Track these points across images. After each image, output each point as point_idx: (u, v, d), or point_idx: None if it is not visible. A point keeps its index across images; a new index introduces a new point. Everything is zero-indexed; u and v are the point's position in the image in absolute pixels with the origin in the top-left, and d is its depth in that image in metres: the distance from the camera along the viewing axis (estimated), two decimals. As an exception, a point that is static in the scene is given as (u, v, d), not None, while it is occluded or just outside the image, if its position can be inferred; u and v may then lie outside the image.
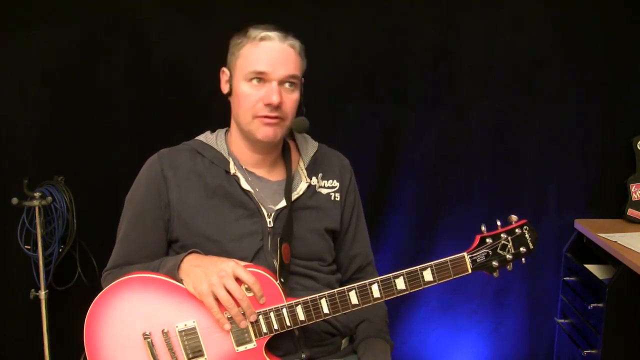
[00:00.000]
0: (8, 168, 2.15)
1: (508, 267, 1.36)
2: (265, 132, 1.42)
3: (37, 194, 2.01)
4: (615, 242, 2.06)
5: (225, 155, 1.50)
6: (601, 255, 2.15)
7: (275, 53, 1.40)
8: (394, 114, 2.28)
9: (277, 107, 1.39)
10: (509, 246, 1.35)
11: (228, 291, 1.31)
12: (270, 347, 1.39)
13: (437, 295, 2.37)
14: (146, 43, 2.15)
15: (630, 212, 2.31)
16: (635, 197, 2.31)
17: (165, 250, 1.49)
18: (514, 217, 1.36)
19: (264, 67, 1.39)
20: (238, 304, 1.32)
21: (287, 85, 1.42)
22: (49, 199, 2.02)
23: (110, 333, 1.37)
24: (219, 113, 2.17)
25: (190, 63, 2.17)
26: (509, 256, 1.35)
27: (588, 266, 2.20)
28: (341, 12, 2.20)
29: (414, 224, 2.34)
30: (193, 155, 1.50)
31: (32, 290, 2.08)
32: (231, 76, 1.46)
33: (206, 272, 1.32)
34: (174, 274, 1.36)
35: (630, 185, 2.31)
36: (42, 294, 2.06)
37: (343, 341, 1.55)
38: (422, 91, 2.28)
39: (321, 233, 1.52)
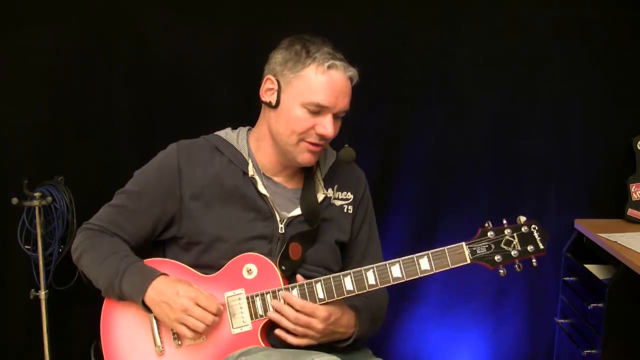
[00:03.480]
0: (8, 168, 2.14)
1: (516, 266, 1.35)
2: (308, 157, 1.43)
3: (37, 194, 2.01)
4: (615, 242, 2.05)
5: (245, 156, 1.49)
6: (601, 255, 2.15)
7: (339, 86, 1.40)
8: (394, 114, 2.28)
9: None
10: (514, 242, 1.34)
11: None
12: (267, 335, 1.42)
13: (437, 295, 2.36)
14: (146, 43, 2.15)
15: (630, 212, 2.31)
16: (635, 197, 2.31)
17: (149, 235, 1.49)
18: (522, 218, 1.37)
19: (326, 101, 1.38)
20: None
21: (338, 117, 1.43)
22: (49, 199, 2.02)
23: (127, 308, 1.43)
24: (219, 113, 2.18)
25: (191, 63, 2.17)
26: (514, 252, 1.34)
27: (588, 266, 2.20)
28: (340, 12, 2.20)
29: (414, 224, 2.33)
30: (212, 152, 1.49)
31: (32, 290, 2.08)
32: (280, 89, 1.41)
33: (171, 306, 1.34)
34: (136, 294, 1.38)
35: (630, 185, 2.31)
36: (42, 294, 2.05)
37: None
38: (422, 91, 2.28)
39: (331, 244, 1.53)
